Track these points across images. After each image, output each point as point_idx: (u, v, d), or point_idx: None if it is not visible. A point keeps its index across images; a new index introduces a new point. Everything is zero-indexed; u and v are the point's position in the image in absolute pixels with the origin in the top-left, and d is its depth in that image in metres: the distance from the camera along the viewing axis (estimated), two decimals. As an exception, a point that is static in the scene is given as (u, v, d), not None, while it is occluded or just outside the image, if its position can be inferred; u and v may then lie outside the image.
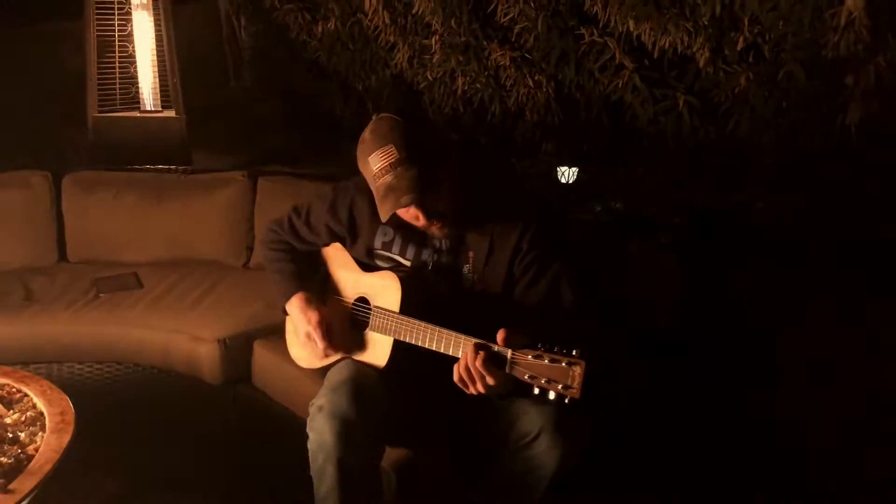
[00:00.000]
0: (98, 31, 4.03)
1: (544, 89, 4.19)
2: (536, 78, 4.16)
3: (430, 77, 4.59)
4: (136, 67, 4.08)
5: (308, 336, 1.94)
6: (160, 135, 4.07)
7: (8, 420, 1.71)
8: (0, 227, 2.98)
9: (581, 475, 1.81)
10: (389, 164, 1.67)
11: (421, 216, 1.74)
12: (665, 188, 3.77)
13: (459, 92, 4.50)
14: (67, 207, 3.08)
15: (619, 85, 3.80)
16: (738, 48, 3.37)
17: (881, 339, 2.76)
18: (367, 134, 1.74)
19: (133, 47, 4.08)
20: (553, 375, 1.52)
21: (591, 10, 3.73)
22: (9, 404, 1.78)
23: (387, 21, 4.56)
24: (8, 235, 3.00)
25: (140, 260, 3.00)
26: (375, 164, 1.69)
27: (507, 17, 4.04)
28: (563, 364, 1.51)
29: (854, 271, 2.98)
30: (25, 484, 1.47)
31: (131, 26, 4.05)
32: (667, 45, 3.56)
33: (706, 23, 3.35)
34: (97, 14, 4.02)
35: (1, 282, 2.80)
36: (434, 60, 4.46)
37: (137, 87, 4.11)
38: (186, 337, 2.48)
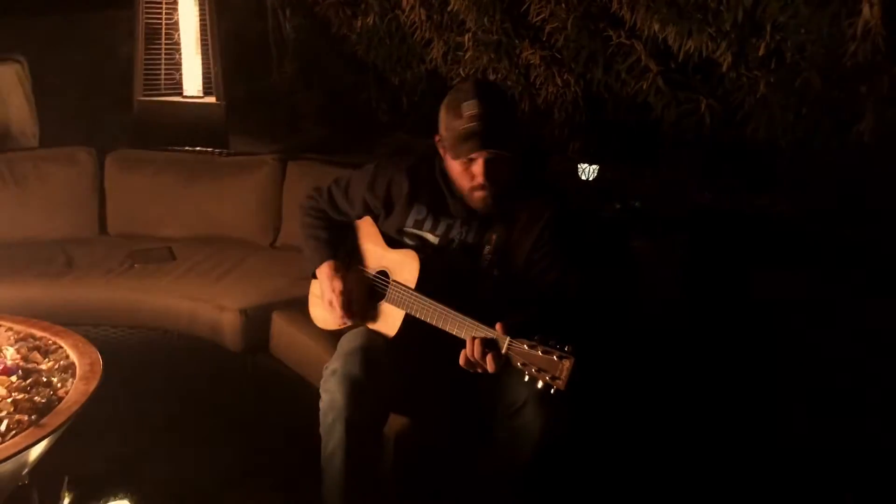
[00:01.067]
0: (146, 19, 4.25)
1: (573, 88, 4.25)
2: (565, 77, 4.23)
3: (462, 73, 4.67)
4: (180, 55, 4.29)
5: (330, 303, 2.09)
6: (200, 119, 4.26)
7: (43, 367, 1.89)
8: (46, 200, 3.21)
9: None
10: (477, 113, 1.84)
11: (481, 172, 1.89)
12: (685, 188, 3.85)
13: (491, 88, 4.63)
14: (109, 183, 3.29)
15: (644, 86, 3.88)
16: (760, 54, 3.42)
17: (882, 338, 2.83)
18: (462, 85, 1.95)
19: (178, 35, 4.29)
20: (543, 365, 1.65)
21: (619, 13, 3.81)
22: (45, 353, 1.97)
23: (423, 18, 4.67)
24: (53, 207, 3.22)
25: (174, 235, 3.19)
26: (467, 111, 1.85)
27: (539, 17, 4.12)
28: (555, 357, 1.64)
29: (863, 271, 3.05)
30: (54, 420, 1.65)
31: (177, 15, 4.26)
32: (691, 49, 3.62)
33: (728, 28, 3.41)
34: (146, 3, 4.24)
35: (44, 250, 3.02)
36: (467, 57, 4.52)
37: (181, 74, 4.31)
38: (211, 306, 2.66)
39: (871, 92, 3.03)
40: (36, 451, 1.63)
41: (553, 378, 1.62)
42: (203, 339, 2.69)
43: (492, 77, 4.56)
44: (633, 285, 2.92)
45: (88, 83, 5.38)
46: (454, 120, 1.89)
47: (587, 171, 3.86)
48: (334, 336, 2.12)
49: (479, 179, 1.90)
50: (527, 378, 1.67)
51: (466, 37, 4.50)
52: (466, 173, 1.92)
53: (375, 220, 2.18)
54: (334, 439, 1.87)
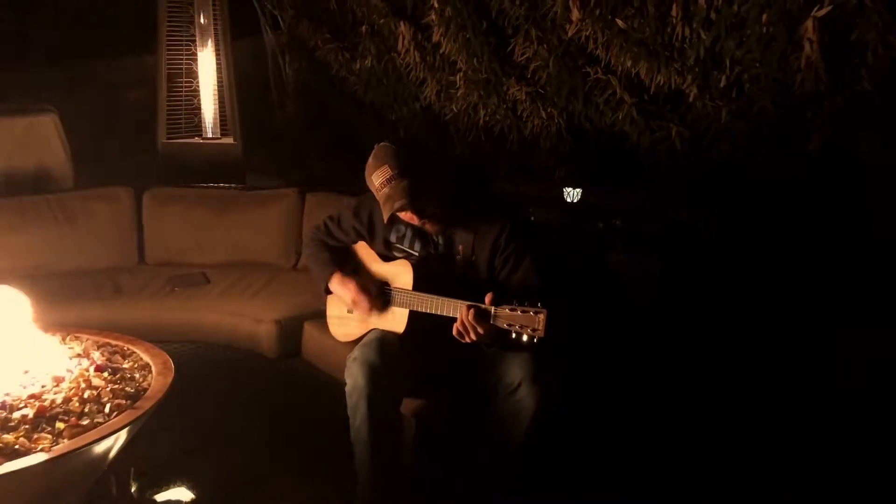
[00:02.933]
0: (168, 67, 4.67)
1: (556, 120, 4.59)
2: (549, 110, 4.57)
3: (455, 109, 5.03)
4: (199, 99, 4.70)
5: (353, 301, 2.47)
6: (219, 158, 4.66)
7: (125, 366, 2.27)
8: (92, 234, 3.60)
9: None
10: (385, 179, 2.25)
11: (414, 216, 2.30)
12: (661, 208, 4.24)
13: (481, 122, 4.95)
14: (147, 218, 3.68)
15: (620, 117, 4.28)
16: (722, 85, 3.83)
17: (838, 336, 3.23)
18: (370, 159, 2.34)
19: (197, 82, 4.70)
20: (524, 322, 2.07)
21: (596, 52, 4.21)
22: (124, 356, 2.34)
23: (417, 59, 4.99)
24: (98, 241, 3.61)
25: (207, 262, 3.58)
26: (377, 179, 2.28)
27: (524, 57, 4.47)
28: (531, 313, 2.06)
29: (817, 280, 3.45)
30: (145, 404, 2.02)
31: (196, 63, 4.68)
32: (661, 82, 4.01)
33: (692, 63, 3.82)
34: (168, 52, 4.65)
35: (94, 278, 3.39)
36: (459, 94, 4.87)
37: (200, 117, 4.72)
38: (249, 319, 3.05)
39: (816, 116, 3.46)
40: (132, 430, 2.00)
41: (534, 330, 2.02)
42: (242, 349, 3.07)
43: (482, 112, 4.94)
44: (612, 293, 3.32)
45: (106, 126, 5.77)
46: (372, 186, 2.34)
47: (571, 195, 4.27)
48: (357, 343, 2.50)
49: (416, 220, 2.33)
50: (514, 335, 2.06)
51: (458, 76, 4.85)
52: (407, 217, 2.35)
53: (366, 241, 2.60)
54: (359, 416, 2.25)
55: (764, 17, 3.42)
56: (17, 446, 1.78)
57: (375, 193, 2.32)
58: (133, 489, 2.54)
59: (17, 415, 1.89)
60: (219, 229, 3.63)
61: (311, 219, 3.58)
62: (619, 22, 3.85)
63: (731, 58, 3.69)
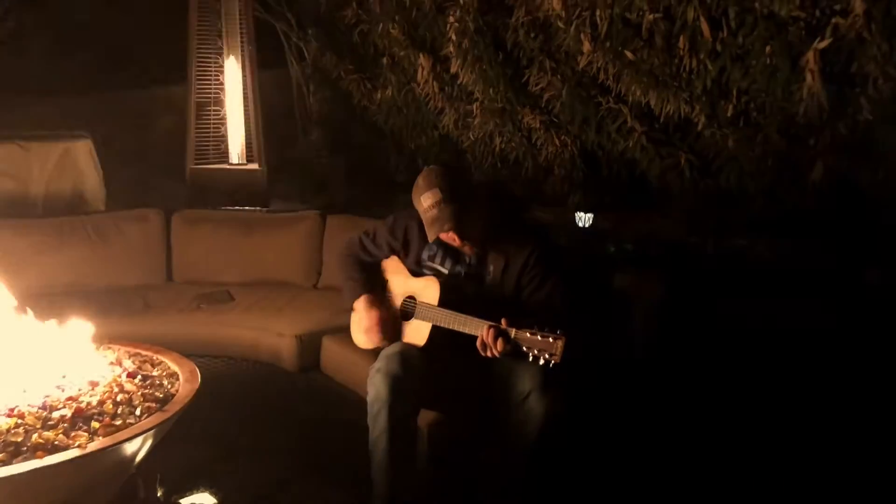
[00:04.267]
0: (196, 96, 4.89)
1: (570, 148, 4.75)
2: (563, 138, 4.72)
3: (472, 137, 5.18)
4: (226, 128, 4.91)
5: (367, 330, 2.62)
6: (244, 183, 4.86)
7: (155, 373, 2.42)
8: (123, 253, 3.78)
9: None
10: (435, 202, 2.39)
11: (457, 238, 2.44)
12: (669, 233, 4.36)
13: (497, 150, 5.11)
14: (175, 238, 3.86)
15: (631, 144, 4.41)
16: (729, 114, 3.94)
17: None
18: (420, 179, 2.47)
19: (224, 111, 4.91)
20: (542, 346, 2.18)
21: (607, 82, 4.35)
22: (153, 365, 2.49)
23: (436, 90, 5.18)
24: (129, 259, 3.79)
25: (232, 280, 3.74)
26: (426, 201, 2.41)
27: (538, 87, 4.62)
28: (550, 339, 2.17)
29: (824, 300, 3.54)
30: (173, 407, 2.16)
31: (223, 93, 4.90)
32: (671, 111, 4.13)
33: (699, 93, 3.94)
34: (197, 82, 4.88)
35: (125, 295, 3.56)
36: (475, 123, 5.03)
37: (227, 144, 4.93)
38: (271, 334, 3.20)
39: (818, 144, 3.57)
40: (160, 433, 2.15)
41: (551, 355, 2.14)
42: (264, 362, 3.22)
43: (497, 140, 5.10)
44: (617, 315, 3.43)
45: (136, 153, 5.99)
46: (419, 207, 2.47)
47: (583, 219, 4.40)
48: (375, 354, 2.64)
49: (458, 242, 2.47)
50: (531, 358, 2.18)
51: (475, 105, 5.01)
52: (448, 238, 2.49)
53: (398, 256, 2.73)
54: (379, 425, 2.37)
55: (767, 48, 3.55)
56: (56, 442, 1.93)
57: (422, 213, 2.45)
58: (159, 493, 2.68)
59: (56, 414, 2.04)
60: (243, 250, 3.80)
61: (332, 240, 3.74)
62: (628, 54, 3.99)
63: (737, 88, 3.82)
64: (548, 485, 2.49)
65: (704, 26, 3.68)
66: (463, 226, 2.42)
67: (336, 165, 6.51)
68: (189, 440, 2.72)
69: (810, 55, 3.41)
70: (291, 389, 3.18)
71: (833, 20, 3.32)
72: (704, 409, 3.16)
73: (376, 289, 2.73)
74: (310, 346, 3.15)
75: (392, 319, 2.64)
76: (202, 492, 2.72)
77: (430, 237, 2.46)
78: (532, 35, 4.59)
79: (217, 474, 2.81)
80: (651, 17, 3.83)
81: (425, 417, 2.51)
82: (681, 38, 3.82)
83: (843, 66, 3.41)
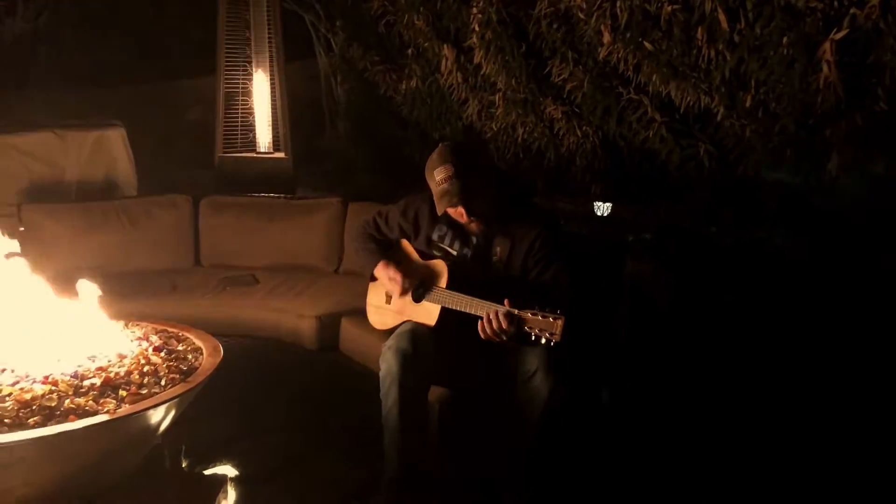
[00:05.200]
0: (225, 87, 5.02)
1: (591, 138, 4.79)
2: (584, 129, 4.76)
3: (494, 128, 5.24)
4: (254, 117, 5.04)
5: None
6: (271, 172, 4.99)
7: (180, 348, 2.54)
8: (153, 238, 3.91)
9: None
10: (446, 176, 2.48)
11: (464, 214, 2.52)
12: (687, 223, 4.39)
13: (520, 140, 5.15)
14: (203, 223, 3.99)
15: (651, 135, 4.45)
16: (747, 105, 3.97)
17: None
18: (434, 154, 2.56)
19: (252, 101, 5.04)
20: (543, 326, 2.26)
21: (627, 73, 4.39)
22: (179, 340, 2.62)
23: (459, 80, 5.25)
24: (158, 244, 3.92)
25: (256, 265, 3.86)
26: (438, 175, 2.50)
27: (560, 78, 4.68)
28: (550, 318, 2.25)
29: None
30: (196, 379, 2.28)
31: (251, 84, 5.02)
32: (690, 102, 4.17)
33: (718, 84, 3.97)
34: (225, 73, 5.01)
35: (154, 278, 3.69)
36: (498, 114, 5.09)
37: (254, 133, 5.06)
38: (292, 315, 3.32)
39: (834, 134, 3.59)
40: (184, 402, 2.27)
41: (551, 334, 2.22)
42: (285, 342, 3.34)
43: (520, 130, 5.15)
44: (632, 304, 3.49)
45: (166, 141, 6.16)
46: (432, 182, 2.56)
47: (602, 209, 4.45)
48: (389, 335, 2.73)
49: (465, 218, 2.55)
50: (533, 338, 2.26)
51: (498, 96, 5.07)
52: (456, 214, 2.57)
53: (409, 240, 2.83)
54: (391, 399, 2.47)
55: (785, 39, 3.57)
56: (86, 408, 2.05)
57: (434, 187, 2.54)
58: (184, 464, 2.81)
59: (86, 383, 2.17)
60: (268, 235, 3.92)
61: (354, 226, 3.82)
62: (648, 45, 4.03)
63: (755, 78, 3.84)
64: (552, 459, 2.57)
65: (722, 17, 3.71)
66: (471, 202, 2.50)
67: (361, 155, 6.62)
68: (212, 415, 2.82)
69: (827, 46, 3.44)
70: (311, 368, 3.30)
71: (850, 11, 3.34)
72: (715, 399, 3.21)
73: (392, 258, 2.83)
74: (329, 327, 3.25)
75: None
76: (225, 464, 2.85)
77: (439, 210, 2.55)
78: (554, 26, 4.64)
79: (239, 448, 2.95)
80: (669, 8, 3.87)
81: (435, 393, 2.60)
82: (699, 29, 3.85)
83: (859, 56, 3.43)
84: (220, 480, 2.71)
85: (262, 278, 3.69)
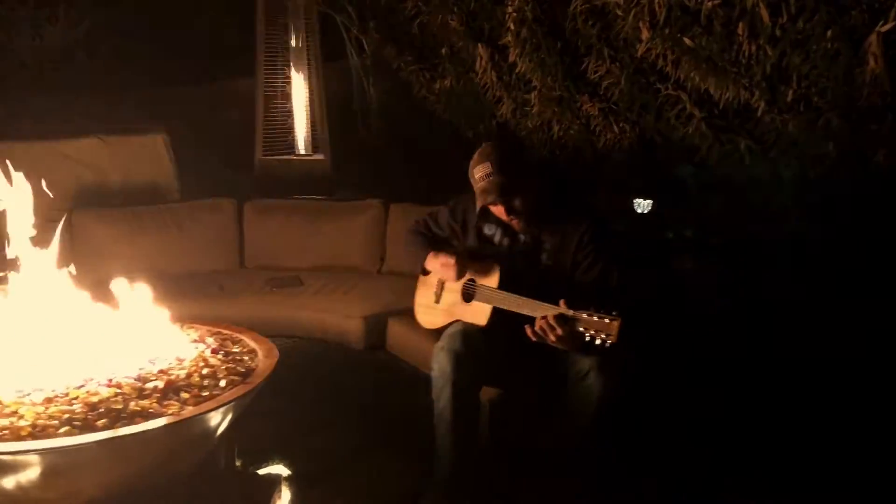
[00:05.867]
0: (265, 90, 5.08)
1: (628, 135, 4.79)
2: (621, 125, 4.76)
3: (529, 125, 5.23)
4: (293, 120, 5.09)
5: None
6: (310, 174, 5.03)
7: (235, 349, 2.59)
8: (199, 241, 3.99)
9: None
10: (485, 174, 2.52)
11: (503, 211, 2.55)
12: (727, 219, 4.37)
13: (555, 137, 5.15)
14: (247, 226, 4.05)
15: (690, 131, 4.42)
16: (789, 99, 3.93)
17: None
18: (476, 154, 2.61)
19: (291, 104, 5.09)
20: (598, 327, 2.27)
21: (666, 69, 4.36)
22: (233, 342, 2.67)
23: (494, 79, 5.19)
24: (204, 246, 4.00)
25: (300, 266, 3.92)
26: (478, 173, 2.55)
27: (597, 75, 4.62)
28: (606, 320, 2.25)
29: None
30: (255, 380, 2.33)
31: (290, 86, 5.07)
32: (730, 97, 4.14)
33: (759, 79, 3.93)
34: (264, 76, 5.06)
35: (200, 280, 3.77)
36: (533, 111, 5.05)
37: (293, 136, 5.11)
38: (339, 315, 3.37)
39: (881, 129, 3.55)
40: (242, 404, 2.31)
41: (607, 335, 2.23)
42: (332, 342, 3.39)
43: (556, 128, 5.14)
44: (676, 298, 3.48)
45: (204, 144, 6.22)
46: (473, 178, 2.61)
47: (642, 206, 4.44)
48: (438, 334, 2.76)
49: (505, 217, 2.57)
50: (587, 338, 2.27)
51: (533, 94, 5.04)
52: (498, 212, 2.58)
53: (458, 239, 2.85)
54: (443, 399, 2.50)
55: (829, 33, 3.52)
56: (151, 410, 2.10)
57: (474, 185, 2.60)
58: (237, 464, 2.86)
59: (149, 385, 2.22)
60: (311, 236, 3.97)
61: (395, 227, 3.88)
62: (687, 41, 4.00)
63: (797, 73, 3.80)
64: (605, 460, 2.58)
65: (764, 12, 3.66)
66: (509, 199, 2.54)
67: (394, 155, 6.65)
68: (263, 415, 2.86)
69: (873, 38, 3.38)
70: (359, 367, 3.35)
71: (897, 2, 3.30)
72: (763, 394, 3.19)
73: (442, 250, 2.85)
74: (376, 327, 3.30)
75: (457, 298, 2.75)
76: (276, 463, 2.90)
77: (478, 205, 2.60)
78: (590, 23, 4.62)
79: (290, 447, 2.99)
80: (710, 4, 3.83)
81: (486, 393, 2.62)
82: (740, 25, 3.81)
83: (907, 48, 3.38)
84: (275, 480, 2.77)
85: (306, 279, 3.74)
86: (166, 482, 2.33)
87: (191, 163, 5.25)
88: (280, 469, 2.86)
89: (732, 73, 4.02)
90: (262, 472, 2.84)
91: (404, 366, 3.15)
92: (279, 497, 2.69)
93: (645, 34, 4.21)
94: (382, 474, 2.83)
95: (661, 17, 4.08)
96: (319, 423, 3.13)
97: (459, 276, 2.72)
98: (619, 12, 4.32)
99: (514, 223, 2.63)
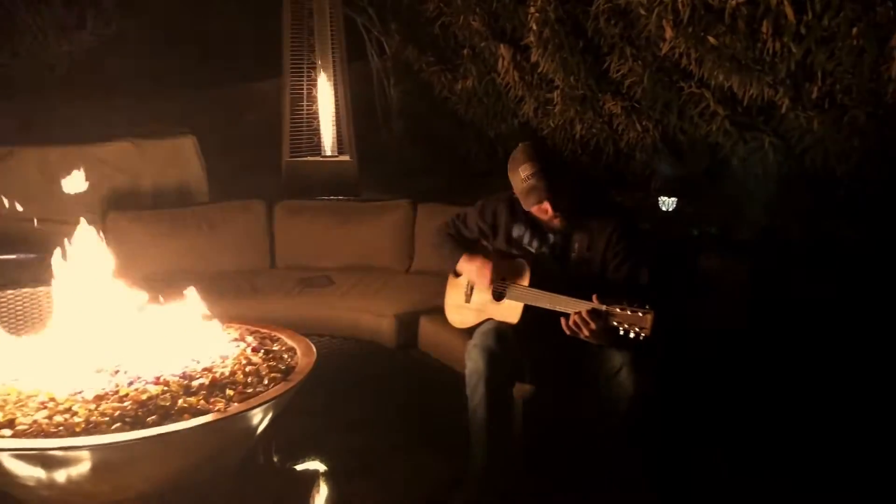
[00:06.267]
0: (291, 92, 5.14)
1: (651, 133, 4.80)
2: (644, 123, 4.75)
3: (552, 124, 5.26)
4: (318, 121, 5.16)
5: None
6: (337, 175, 5.10)
7: (275, 348, 2.66)
8: (231, 241, 4.06)
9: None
10: (532, 172, 2.56)
11: (549, 209, 2.59)
12: (752, 216, 4.39)
13: (578, 136, 5.18)
14: (278, 226, 4.12)
15: (714, 129, 4.44)
16: (814, 97, 3.94)
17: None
18: (516, 153, 2.65)
19: (316, 105, 5.16)
20: (632, 321, 2.31)
21: (689, 67, 4.39)
22: (273, 341, 2.73)
23: (516, 79, 5.25)
24: (235, 247, 4.07)
25: (330, 266, 3.98)
26: (523, 172, 2.58)
27: (619, 73, 4.67)
28: (640, 313, 2.30)
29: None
30: (295, 377, 2.39)
31: (316, 89, 5.14)
32: (754, 94, 4.15)
33: (784, 76, 3.95)
34: (291, 78, 5.13)
35: (233, 279, 3.83)
36: (556, 110, 5.09)
37: (319, 137, 5.17)
38: (371, 314, 3.43)
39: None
40: (284, 401, 2.37)
41: (641, 328, 2.27)
42: (364, 340, 3.45)
43: (578, 127, 5.17)
44: (702, 297, 3.50)
45: (229, 146, 6.30)
46: (516, 180, 2.64)
47: (667, 203, 4.47)
48: (469, 333, 2.81)
49: (550, 214, 2.62)
50: (621, 332, 2.31)
51: (556, 93, 5.07)
52: (540, 210, 2.63)
53: (487, 240, 2.90)
54: (477, 396, 2.55)
55: (854, 30, 3.54)
56: (198, 407, 2.17)
57: (519, 184, 2.62)
58: (275, 459, 2.92)
59: (195, 383, 2.29)
60: (340, 237, 4.04)
61: (423, 227, 3.93)
62: (711, 39, 4.03)
63: (822, 70, 3.82)
64: (638, 456, 2.62)
65: (788, 10, 3.69)
66: (556, 197, 2.58)
67: (416, 156, 6.70)
68: (298, 412, 2.91)
69: (899, 35, 3.40)
70: (391, 366, 3.40)
71: (924, -1, 3.31)
72: (791, 394, 3.22)
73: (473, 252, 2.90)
74: (408, 325, 3.36)
75: (488, 296, 2.80)
76: (312, 459, 2.96)
77: (526, 207, 2.64)
78: (612, 22, 4.65)
79: (326, 443, 3.06)
80: (734, 2, 3.86)
81: (519, 390, 2.67)
82: (764, 23, 3.83)
83: (933, 46, 3.40)
84: (312, 476, 2.84)
85: (336, 279, 3.80)
86: (210, 478, 2.40)
87: (216, 164, 5.35)
88: (316, 465, 2.93)
89: (756, 71, 4.04)
90: (299, 468, 2.91)
91: (436, 364, 3.20)
92: (317, 492, 2.76)
93: (668, 33, 4.24)
94: (416, 470, 2.88)
95: (685, 16, 4.12)
96: (353, 420, 3.19)
97: (491, 281, 2.77)
98: (643, 11, 4.35)
99: (556, 221, 2.67)
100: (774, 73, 3.99)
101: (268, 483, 2.71)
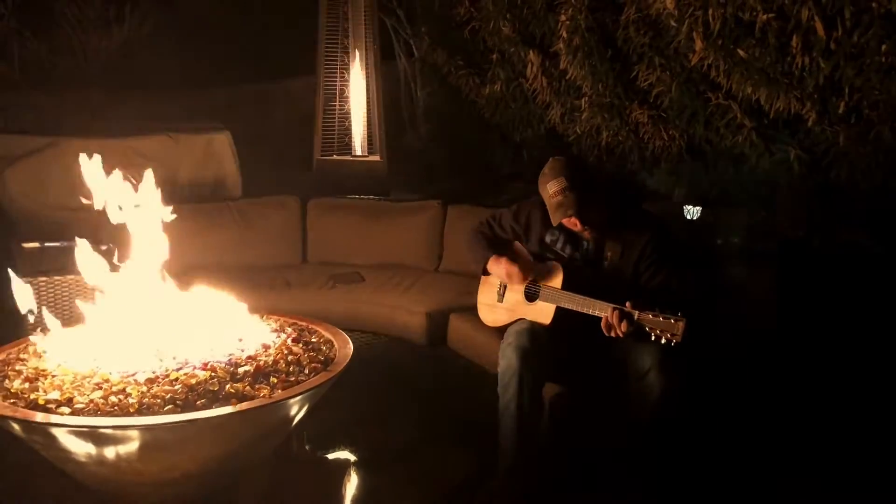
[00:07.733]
0: (324, 91, 5.25)
1: (677, 142, 4.88)
2: (670, 133, 4.83)
3: (578, 131, 5.33)
4: (350, 121, 5.26)
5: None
6: (367, 174, 5.20)
7: (314, 339, 2.75)
8: (265, 236, 4.17)
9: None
10: (560, 188, 2.63)
11: (578, 223, 2.67)
12: (776, 227, 4.44)
13: (604, 143, 5.28)
14: (310, 223, 4.23)
15: (740, 140, 4.50)
16: (840, 111, 4.00)
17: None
18: (546, 169, 2.71)
19: (349, 105, 5.26)
20: (664, 327, 2.39)
21: (717, 79, 4.46)
22: (311, 334, 2.83)
23: (544, 85, 5.32)
24: (270, 242, 4.18)
25: (361, 262, 4.08)
26: (552, 188, 2.65)
27: (647, 83, 4.72)
28: (672, 320, 2.38)
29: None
30: (335, 368, 2.49)
31: (348, 88, 5.24)
32: (780, 107, 4.20)
33: (811, 90, 4.01)
34: (324, 77, 5.23)
35: (266, 273, 3.94)
36: (583, 117, 5.14)
37: (351, 137, 5.27)
38: (402, 311, 3.53)
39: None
40: (321, 391, 2.46)
41: (672, 335, 2.35)
42: (395, 337, 3.55)
43: (604, 134, 5.24)
44: (727, 305, 3.57)
45: (259, 143, 6.41)
46: (545, 195, 2.72)
47: (692, 212, 4.54)
48: (499, 332, 2.90)
49: (579, 227, 2.70)
50: (653, 338, 2.40)
51: (583, 100, 5.14)
52: (570, 223, 2.72)
53: (520, 241, 2.98)
54: (509, 393, 2.63)
55: (883, 47, 3.60)
56: (245, 392, 2.26)
57: (548, 199, 2.71)
58: (307, 448, 3.02)
59: (241, 370, 2.39)
60: (371, 234, 4.14)
61: (452, 227, 4.03)
62: (741, 52, 4.09)
63: (850, 85, 3.87)
64: (664, 457, 2.69)
65: (819, 26, 3.75)
66: (584, 212, 2.65)
67: (442, 157, 6.78)
68: (330, 405, 3.00)
69: (928, 53, 3.46)
70: (421, 362, 3.50)
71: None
72: (818, 401, 3.28)
73: (504, 253, 2.98)
74: (438, 323, 3.45)
75: (521, 296, 2.89)
76: (343, 450, 3.05)
77: (554, 221, 2.70)
78: (642, 32, 4.72)
79: (356, 436, 3.14)
80: (764, 17, 3.92)
81: (549, 389, 2.75)
82: (794, 38, 3.89)
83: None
84: (343, 465, 2.93)
85: (367, 275, 3.90)
86: (250, 462, 2.50)
87: (245, 159, 5.45)
88: (346, 455, 3.01)
89: (784, 84, 4.10)
90: (330, 457, 3.00)
91: (465, 361, 3.30)
92: (348, 481, 2.84)
93: (698, 44, 4.30)
94: (444, 464, 2.95)
95: (716, 29, 4.18)
96: (382, 414, 3.28)
97: (521, 281, 2.85)
98: (674, 23, 4.42)
99: (587, 234, 2.75)
100: (802, 87, 4.04)
101: (302, 470, 2.81)
